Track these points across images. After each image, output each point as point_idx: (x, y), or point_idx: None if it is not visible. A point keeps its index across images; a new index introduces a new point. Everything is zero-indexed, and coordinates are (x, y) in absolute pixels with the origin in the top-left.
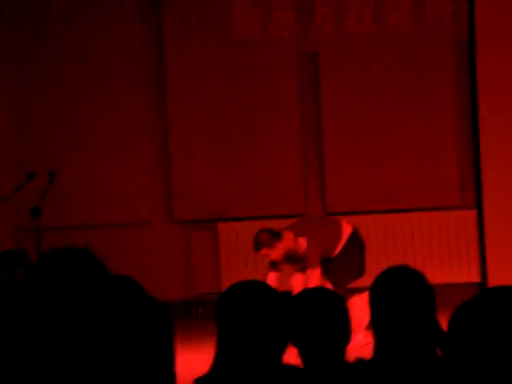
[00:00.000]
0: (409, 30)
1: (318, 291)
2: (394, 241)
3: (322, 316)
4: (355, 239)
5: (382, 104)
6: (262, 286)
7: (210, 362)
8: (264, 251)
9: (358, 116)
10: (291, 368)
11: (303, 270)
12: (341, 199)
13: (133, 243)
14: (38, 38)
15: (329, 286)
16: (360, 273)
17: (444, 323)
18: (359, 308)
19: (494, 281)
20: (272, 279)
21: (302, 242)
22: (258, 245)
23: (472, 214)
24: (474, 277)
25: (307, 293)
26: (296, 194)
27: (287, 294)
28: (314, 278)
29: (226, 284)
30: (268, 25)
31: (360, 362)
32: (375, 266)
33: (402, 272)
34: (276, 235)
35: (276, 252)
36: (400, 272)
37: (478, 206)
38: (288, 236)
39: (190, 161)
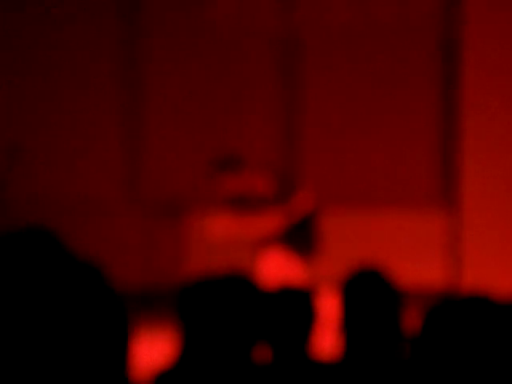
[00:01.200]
0: (395, 23)
1: (288, 290)
2: (368, 236)
3: (291, 313)
4: (314, 216)
5: (364, 95)
6: (232, 281)
7: (171, 356)
8: (226, 176)
9: (339, 104)
10: (258, 365)
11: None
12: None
13: (96, 221)
14: None
15: (294, 259)
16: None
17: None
18: (329, 306)
19: (467, 283)
20: (223, 223)
21: (261, 180)
22: (223, 164)
23: (450, 215)
24: (449, 278)
25: (278, 291)
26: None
27: (256, 289)
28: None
29: (187, 274)
30: (249, 11)
31: (329, 361)
32: (348, 259)
33: (372, 277)
34: (240, 163)
35: (236, 180)
36: (370, 277)
37: (457, 207)
38: (251, 170)
39: (161, 142)
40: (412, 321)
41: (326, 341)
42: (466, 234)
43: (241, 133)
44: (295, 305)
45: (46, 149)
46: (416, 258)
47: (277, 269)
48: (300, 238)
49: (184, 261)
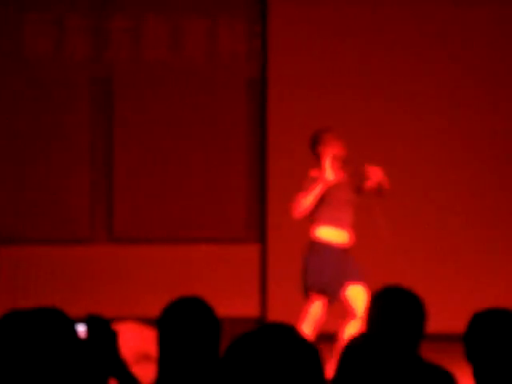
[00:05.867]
0: (203, 62)
1: None
2: (179, 271)
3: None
4: None
5: (175, 134)
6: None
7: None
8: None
9: (150, 144)
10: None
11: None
12: (128, 226)
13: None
14: None
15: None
16: None
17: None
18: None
19: (273, 315)
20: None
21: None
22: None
23: (256, 249)
24: (255, 311)
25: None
26: (82, 220)
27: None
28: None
29: None
30: (61, 46)
31: None
32: (159, 296)
33: (191, 303)
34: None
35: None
36: (189, 303)
37: (262, 241)
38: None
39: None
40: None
41: None
42: (270, 267)
43: (53, 168)
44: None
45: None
46: (228, 290)
47: None
48: None
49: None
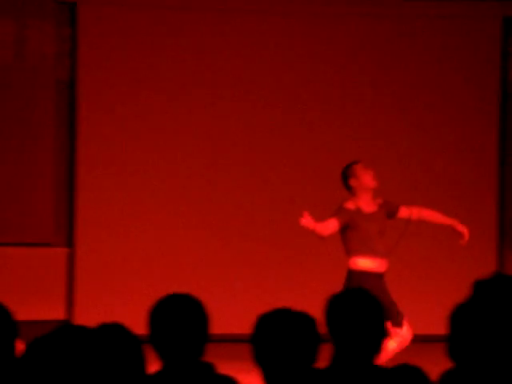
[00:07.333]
0: (12, 63)
1: None
2: None
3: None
4: None
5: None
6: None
7: None
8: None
9: None
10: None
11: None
12: None
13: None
14: None
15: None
16: None
17: None
18: None
19: (79, 319)
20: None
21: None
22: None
23: (63, 252)
24: (61, 314)
25: None
26: None
27: None
28: None
29: None
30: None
31: None
32: None
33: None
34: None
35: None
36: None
37: (70, 245)
38: None
39: None
40: None
41: None
42: (77, 270)
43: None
44: None
45: None
46: (35, 294)
47: None
48: None
49: None
